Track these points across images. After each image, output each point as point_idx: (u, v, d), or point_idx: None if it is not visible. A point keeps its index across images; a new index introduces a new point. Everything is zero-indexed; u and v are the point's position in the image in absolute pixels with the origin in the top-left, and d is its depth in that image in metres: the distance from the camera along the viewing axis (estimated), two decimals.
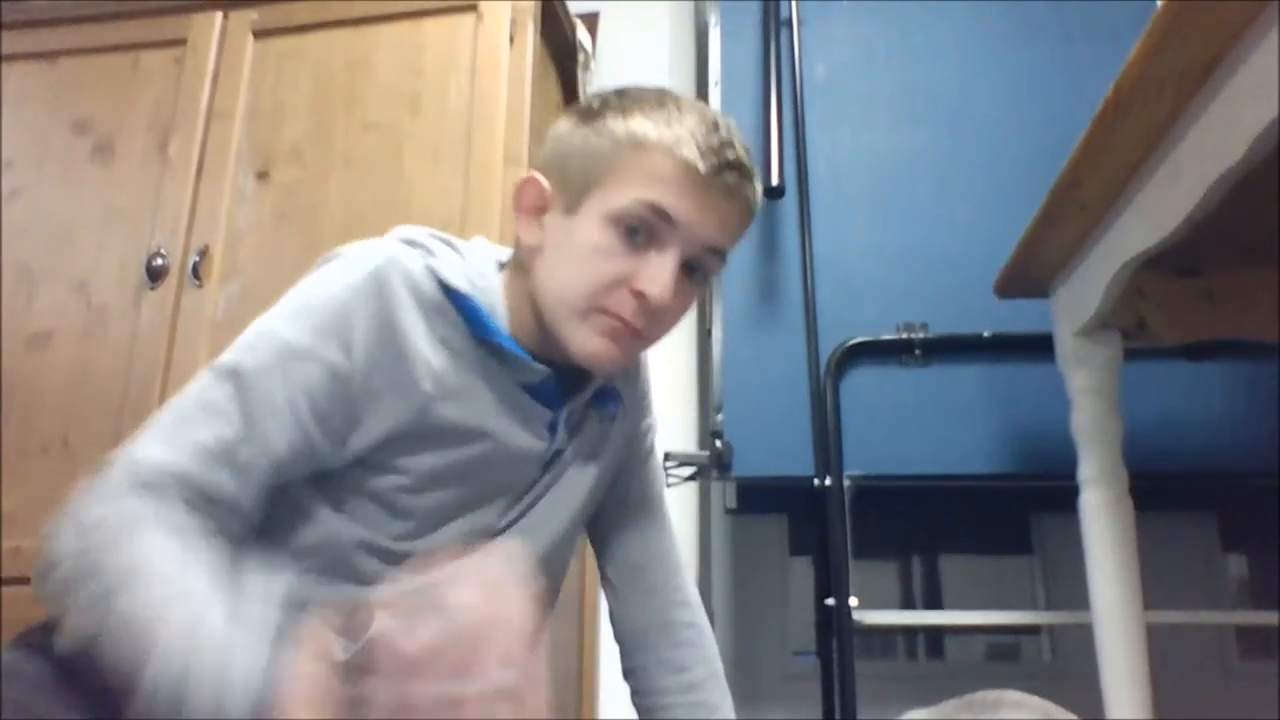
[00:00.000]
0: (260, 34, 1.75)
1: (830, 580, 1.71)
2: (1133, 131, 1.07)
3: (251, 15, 1.76)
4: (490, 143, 1.57)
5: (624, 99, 0.85)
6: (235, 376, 0.76)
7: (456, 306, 0.83)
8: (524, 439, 0.87)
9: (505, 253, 0.93)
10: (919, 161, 1.97)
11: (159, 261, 1.63)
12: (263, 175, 1.66)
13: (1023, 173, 1.87)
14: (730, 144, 0.83)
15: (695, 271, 0.85)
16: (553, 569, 0.96)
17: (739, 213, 0.85)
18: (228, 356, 0.78)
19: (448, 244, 0.87)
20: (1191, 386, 1.73)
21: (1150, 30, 0.94)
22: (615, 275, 0.81)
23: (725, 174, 0.82)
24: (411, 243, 0.85)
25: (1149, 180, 1.11)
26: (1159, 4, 0.92)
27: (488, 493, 0.88)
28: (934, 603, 2.28)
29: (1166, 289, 1.36)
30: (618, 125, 0.83)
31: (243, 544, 0.79)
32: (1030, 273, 1.41)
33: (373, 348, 0.79)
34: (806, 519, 2.05)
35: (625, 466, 1.02)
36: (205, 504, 0.73)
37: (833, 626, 1.69)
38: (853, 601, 1.69)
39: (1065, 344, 1.38)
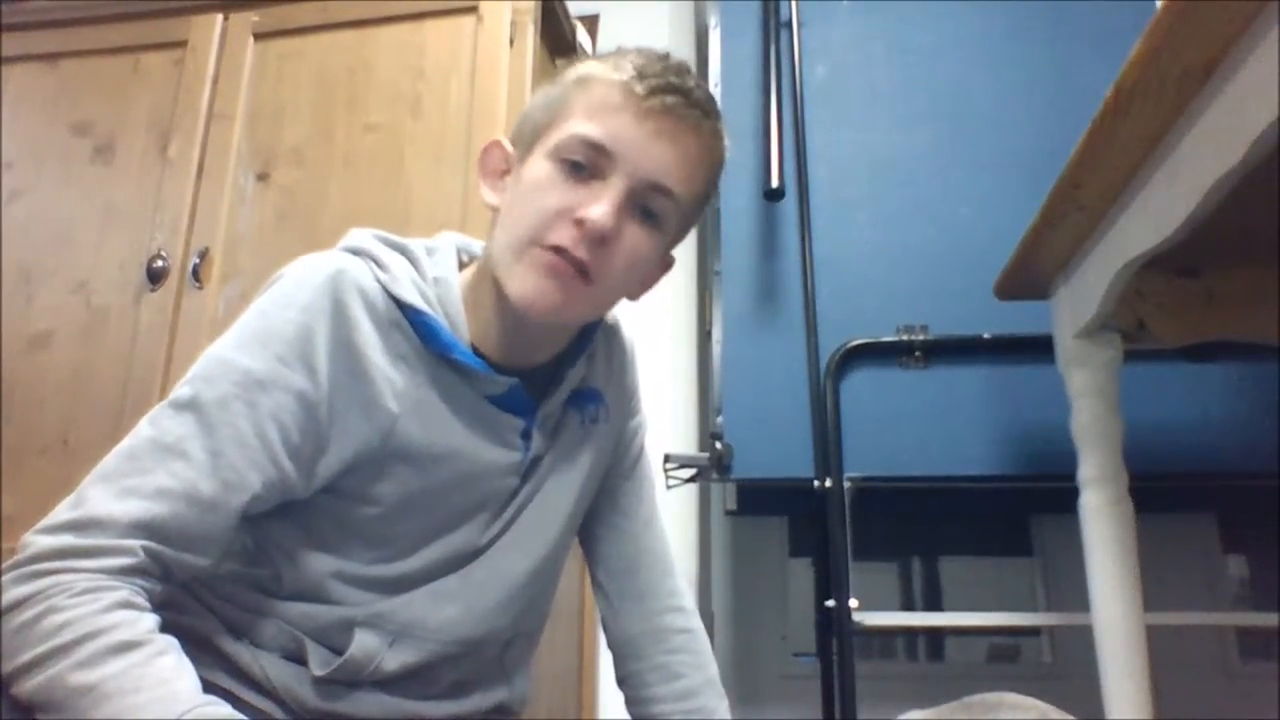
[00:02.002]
0: (261, 36, 1.75)
1: (830, 581, 1.71)
2: (1133, 132, 1.07)
3: (252, 17, 1.76)
4: None
5: (582, 56, 0.87)
6: (194, 410, 0.72)
7: (410, 322, 0.80)
8: (495, 453, 0.84)
9: (479, 246, 0.91)
10: (919, 161, 1.97)
11: (159, 263, 1.63)
12: (263, 176, 1.66)
13: (1023, 173, 1.87)
14: (676, 71, 0.81)
15: (650, 217, 0.81)
16: (546, 579, 0.93)
17: (690, 147, 0.81)
18: (183, 390, 0.74)
19: (399, 249, 0.84)
20: (1191, 387, 1.73)
21: (1150, 30, 0.94)
22: (556, 206, 0.78)
23: (665, 96, 0.79)
24: (359, 252, 0.82)
25: (1149, 181, 1.11)
26: (1159, 4, 0.92)
27: (466, 511, 0.85)
28: (934, 604, 2.28)
29: (1166, 290, 1.36)
30: (568, 72, 0.84)
31: (214, 582, 0.79)
32: (1030, 274, 1.41)
33: (335, 369, 0.76)
34: (806, 520, 2.05)
35: (613, 468, 1.00)
36: (172, 554, 0.70)
37: (833, 628, 1.69)
38: (853, 603, 1.69)
39: (1065, 345, 1.38)
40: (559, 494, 0.91)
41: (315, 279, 0.78)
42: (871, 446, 1.79)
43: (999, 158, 1.93)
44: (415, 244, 0.86)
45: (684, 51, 2.36)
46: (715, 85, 2.09)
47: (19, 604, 0.66)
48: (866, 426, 1.80)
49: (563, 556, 0.96)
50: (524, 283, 0.78)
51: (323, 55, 1.71)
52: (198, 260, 1.62)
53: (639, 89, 0.78)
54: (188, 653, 0.72)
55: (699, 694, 0.98)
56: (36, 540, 0.68)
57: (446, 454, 0.81)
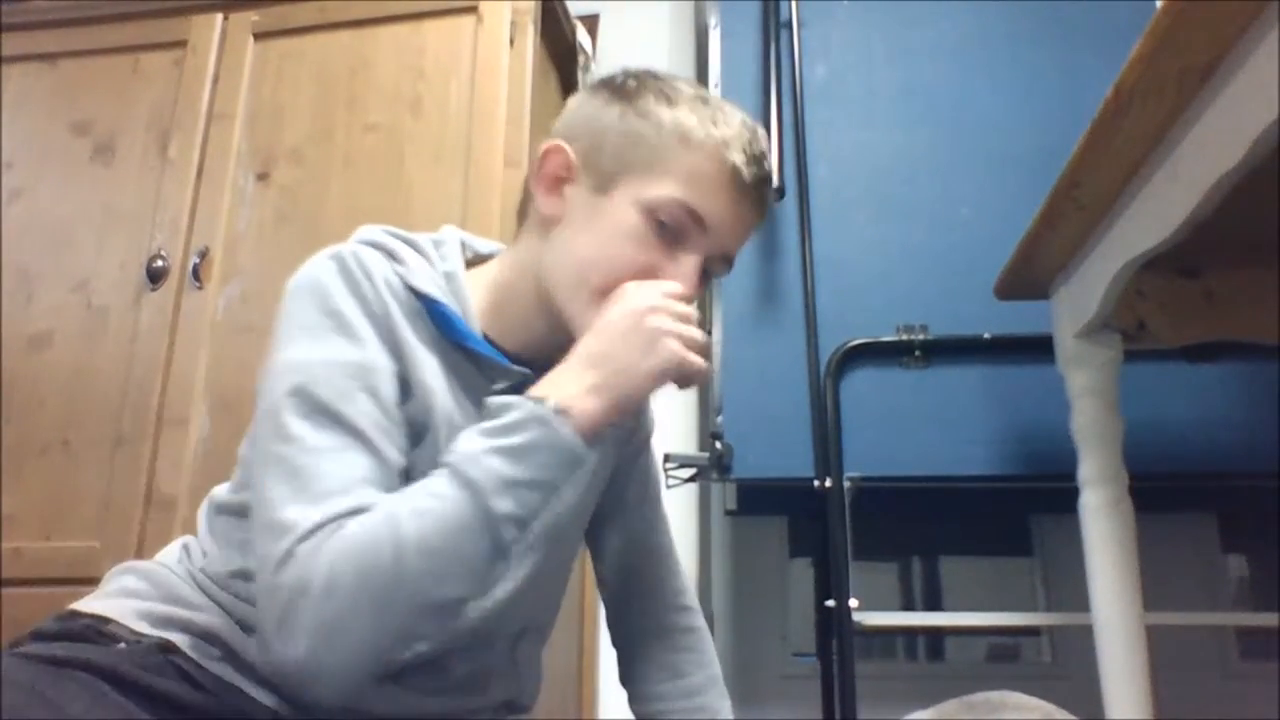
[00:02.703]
0: (260, 35, 1.75)
1: (830, 581, 1.71)
2: (1133, 131, 1.07)
3: (252, 17, 1.76)
4: (490, 144, 1.57)
5: (664, 85, 0.84)
6: (325, 412, 0.72)
7: (428, 311, 0.81)
8: None
9: (479, 242, 0.92)
10: (919, 161, 1.97)
11: (159, 263, 1.63)
12: (263, 176, 1.66)
13: (1023, 173, 1.87)
14: (766, 155, 0.84)
15: (704, 275, 0.84)
16: (555, 578, 0.93)
17: (756, 224, 0.86)
18: (300, 402, 0.72)
19: (410, 244, 0.85)
20: (1191, 387, 1.73)
21: (1150, 30, 0.94)
22: (644, 264, 0.80)
23: (761, 186, 0.83)
24: (375, 245, 0.83)
25: (1149, 181, 1.11)
26: (1159, 4, 0.92)
27: None
28: (934, 604, 2.28)
29: (1166, 290, 1.36)
30: (662, 112, 0.82)
31: (227, 580, 0.80)
32: (1030, 274, 1.41)
33: (391, 348, 0.78)
34: (806, 520, 2.05)
35: (620, 465, 1.00)
36: None
37: (833, 628, 1.69)
38: (853, 603, 1.69)
39: (1065, 345, 1.38)
40: None
41: (349, 268, 0.78)
42: (871, 446, 1.79)
43: (999, 158, 1.93)
44: (422, 238, 0.87)
45: (684, 51, 2.36)
46: (715, 85, 2.10)
47: (320, 578, 0.65)
48: (866, 426, 1.80)
49: (572, 555, 0.96)
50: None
51: (323, 55, 1.71)
52: (198, 260, 1.62)
53: (745, 176, 0.81)
54: (197, 646, 0.73)
55: (703, 692, 0.98)
56: (267, 574, 0.67)
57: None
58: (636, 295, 0.77)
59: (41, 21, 1.85)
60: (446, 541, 0.67)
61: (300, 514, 0.67)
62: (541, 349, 0.86)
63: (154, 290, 1.63)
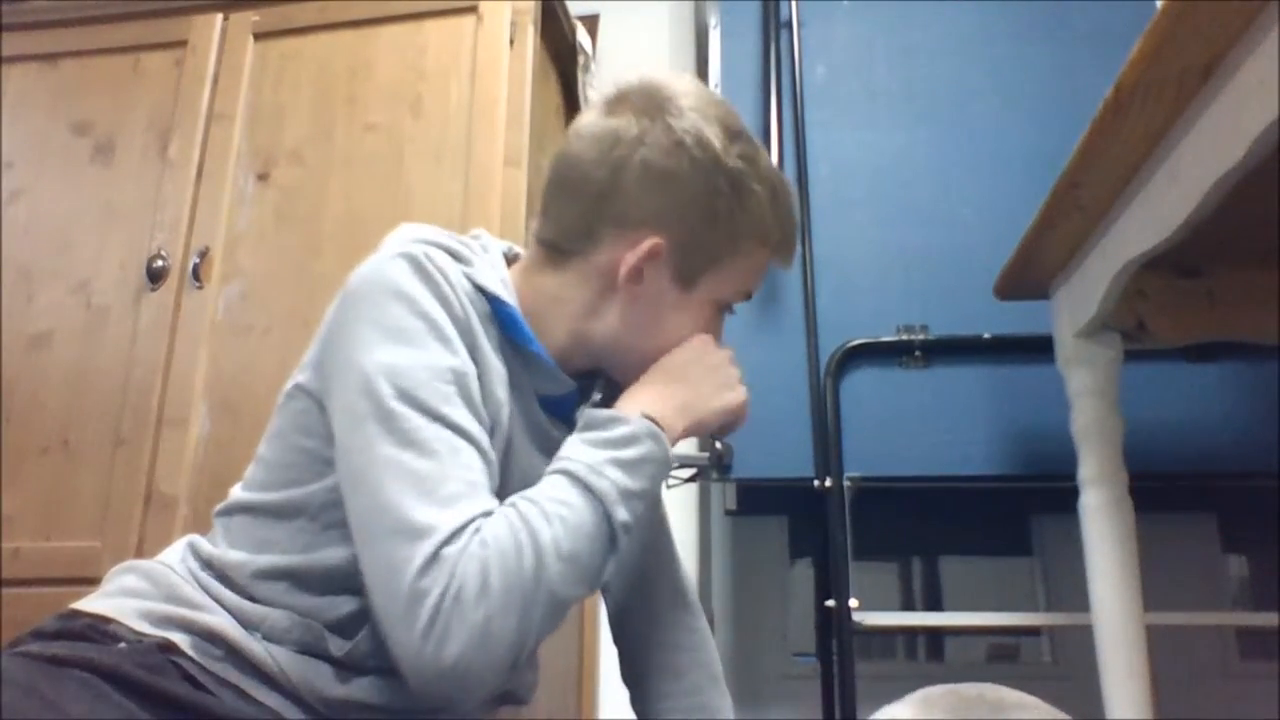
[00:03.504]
0: (261, 35, 1.75)
1: (830, 581, 1.71)
2: (1133, 132, 1.07)
3: (252, 17, 1.76)
4: (491, 144, 1.57)
5: (745, 173, 0.85)
6: (437, 417, 0.73)
7: (494, 312, 0.82)
8: (541, 460, 0.83)
9: (506, 246, 0.93)
10: (919, 161, 1.97)
11: (159, 263, 1.63)
12: (263, 176, 1.66)
13: (1023, 173, 1.87)
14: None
15: None
16: None
17: None
18: (408, 406, 0.72)
19: (464, 245, 0.86)
20: (1191, 387, 1.73)
21: (1150, 30, 0.94)
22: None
23: None
24: (438, 245, 0.83)
25: (1149, 181, 1.11)
26: (1159, 4, 0.92)
27: None
28: (934, 604, 2.28)
29: (1167, 290, 1.36)
30: (752, 209, 0.86)
31: (237, 576, 0.80)
32: (1030, 274, 1.41)
33: (469, 350, 0.79)
34: (807, 520, 2.05)
35: None
36: None
37: (833, 628, 1.69)
38: (853, 603, 1.69)
39: (1065, 345, 1.38)
40: None
41: (427, 270, 0.78)
42: (871, 446, 1.78)
43: (999, 158, 1.93)
44: (468, 239, 0.88)
45: (684, 51, 2.36)
46: (715, 85, 2.09)
47: (450, 589, 0.66)
48: (866, 426, 1.80)
49: None
50: None
51: (323, 55, 1.71)
52: (198, 260, 1.62)
53: (785, 254, 0.91)
54: (198, 646, 0.73)
55: (704, 691, 0.98)
56: (405, 577, 0.66)
57: (507, 448, 0.82)
58: (714, 346, 0.88)
59: (41, 21, 1.85)
60: (578, 546, 0.71)
61: (435, 517, 0.68)
62: (565, 367, 0.87)
63: (154, 290, 1.63)
